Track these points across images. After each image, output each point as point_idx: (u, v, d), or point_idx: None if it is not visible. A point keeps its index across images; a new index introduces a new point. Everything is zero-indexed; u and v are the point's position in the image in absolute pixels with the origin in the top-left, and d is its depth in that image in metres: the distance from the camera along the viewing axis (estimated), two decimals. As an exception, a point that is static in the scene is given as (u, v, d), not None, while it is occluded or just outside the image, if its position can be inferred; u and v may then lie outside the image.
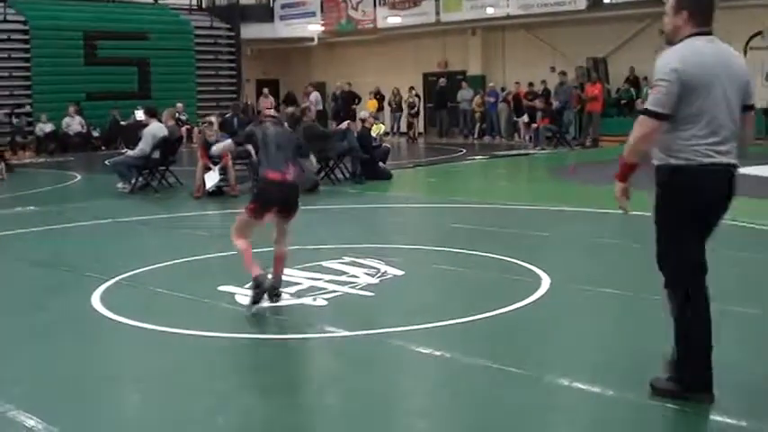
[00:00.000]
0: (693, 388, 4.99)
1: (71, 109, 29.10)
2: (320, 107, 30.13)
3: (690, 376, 5.01)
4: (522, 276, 8.53)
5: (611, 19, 28.62)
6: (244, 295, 7.88)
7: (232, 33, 34.85)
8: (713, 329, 5.04)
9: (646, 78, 27.82)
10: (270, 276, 7.58)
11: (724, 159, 4.93)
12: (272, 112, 7.13)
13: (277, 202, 7.57)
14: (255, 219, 7.59)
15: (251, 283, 7.43)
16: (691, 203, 4.98)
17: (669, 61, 4.93)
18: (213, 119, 16.72)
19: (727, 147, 4.94)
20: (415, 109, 32.23)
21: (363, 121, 19.26)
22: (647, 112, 4.95)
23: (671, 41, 5.10)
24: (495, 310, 7.27)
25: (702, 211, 5.03)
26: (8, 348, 6.81)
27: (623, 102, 28.23)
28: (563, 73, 28.09)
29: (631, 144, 5.02)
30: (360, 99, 31.64)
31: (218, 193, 15.85)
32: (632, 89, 28.19)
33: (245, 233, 7.66)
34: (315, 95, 31.59)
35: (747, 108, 5.13)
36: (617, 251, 10.07)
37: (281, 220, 7.68)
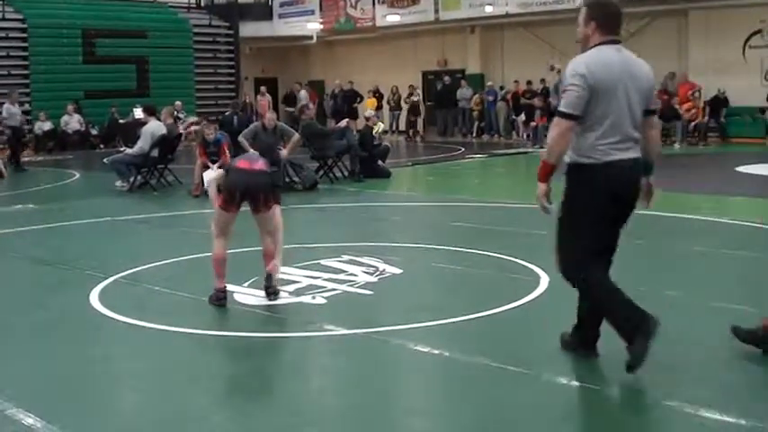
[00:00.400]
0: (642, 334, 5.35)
1: (70, 107, 29.12)
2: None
3: (633, 329, 5.39)
4: (521, 275, 8.53)
5: (609, 17, 28.58)
6: (242, 293, 7.90)
7: (231, 32, 34.85)
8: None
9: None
10: (266, 275, 7.64)
11: (625, 155, 5.42)
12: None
13: (241, 187, 7.46)
14: (226, 211, 7.57)
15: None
16: (596, 197, 5.45)
17: (577, 67, 5.43)
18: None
19: (627, 144, 5.44)
20: (418, 107, 32.13)
21: (368, 119, 19.28)
22: (560, 114, 5.39)
23: (584, 48, 5.61)
24: (494, 308, 7.27)
25: (607, 204, 5.47)
26: (7, 346, 6.81)
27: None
28: (561, 71, 28.09)
29: (550, 145, 5.48)
30: (362, 98, 31.64)
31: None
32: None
33: (222, 230, 7.67)
34: (302, 93, 31.63)
35: (649, 112, 5.62)
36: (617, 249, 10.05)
37: (257, 216, 7.63)
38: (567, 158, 5.51)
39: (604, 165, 5.39)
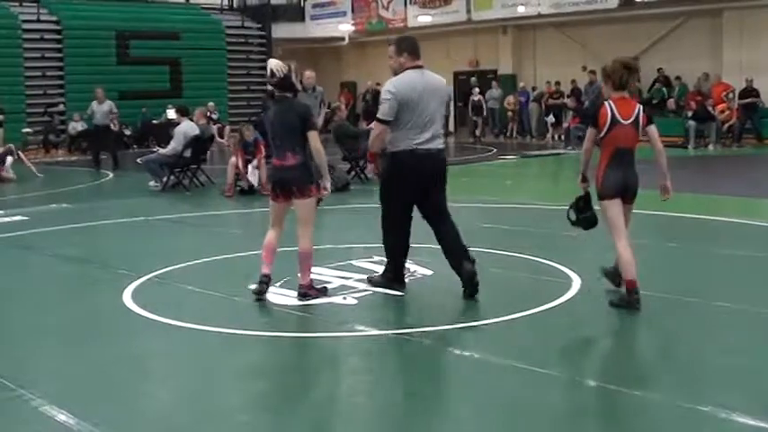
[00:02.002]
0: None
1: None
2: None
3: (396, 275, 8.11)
4: (553, 277, 8.49)
5: (642, 18, 28.42)
6: (275, 294, 7.92)
7: (263, 33, 34.98)
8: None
9: (678, 78, 27.62)
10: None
11: (425, 146, 7.62)
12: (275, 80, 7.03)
13: (276, 182, 7.84)
14: (273, 200, 7.88)
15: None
16: (405, 176, 7.69)
17: (389, 86, 7.64)
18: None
19: (427, 137, 7.63)
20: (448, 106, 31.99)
21: None
22: (378, 120, 7.68)
23: (396, 73, 7.74)
24: (525, 310, 7.24)
25: (414, 181, 7.69)
26: (41, 344, 6.87)
27: (655, 101, 27.92)
28: (592, 72, 27.84)
29: (371, 140, 7.83)
30: None
31: (249, 192, 15.92)
32: (664, 89, 27.91)
33: (273, 220, 7.90)
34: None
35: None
36: (649, 251, 9.98)
37: (295, 208, 7.81)
38: (388, 148, 7.71)
39: (409, 152, 7.58)
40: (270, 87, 7.99)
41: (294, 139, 7.69)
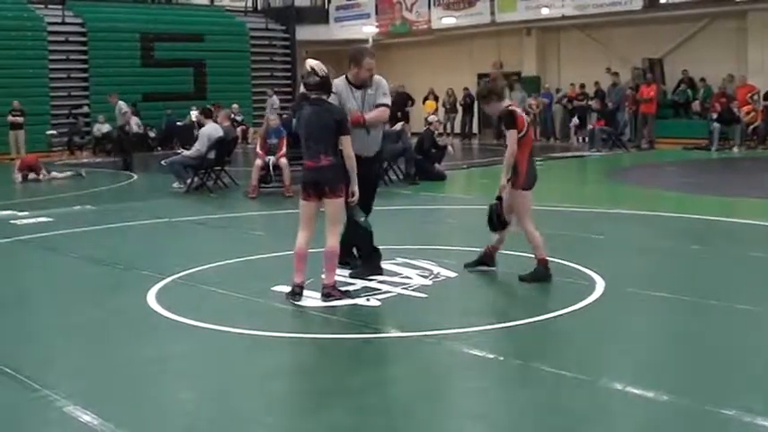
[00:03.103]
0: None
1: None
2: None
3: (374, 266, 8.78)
4: (577, 279, 8.46)
5: (667, 19, 28.29)
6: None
7: (287, 35, 35.03)
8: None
9: (703, 80, 27.47)
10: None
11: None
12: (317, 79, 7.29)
13: (309, 182, 7.78)
14: (304, 199, 7.81)
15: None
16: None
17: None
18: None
19: None
20: (472, 108, 31.91)
21: (429, 124, 19.22)
22: (388, 106, 8.73)
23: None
24: (549, 312, 7.22)
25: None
26: (66, 344, 6.91)
27: (680, 103, 27.85)
28: (615, 74, 27.88)
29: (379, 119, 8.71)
30: (413, 101, 31.59)
31: (273, 193, 15.96)
32: (689, 90, 27.78)
33: (303, 223, 7.85)
34: (273, 99, 31.55)
35: None
36: (674, 254, 9.95)
37: (325, 207, 7.80)
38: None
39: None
40: (304, 89, 8.03)
41: (328, 141, 7.72)
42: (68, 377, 6.00)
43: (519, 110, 8.41)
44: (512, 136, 8.25)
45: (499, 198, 8.54)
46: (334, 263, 7.83)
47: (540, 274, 8.32)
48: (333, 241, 7.76)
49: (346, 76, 8.77)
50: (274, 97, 31.94)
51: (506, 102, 8.55)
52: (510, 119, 8.29)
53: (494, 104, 8.47)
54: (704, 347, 6.39)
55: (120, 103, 23.12)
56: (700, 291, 7.96)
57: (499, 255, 8.86)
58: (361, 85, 8.63)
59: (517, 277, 8.36)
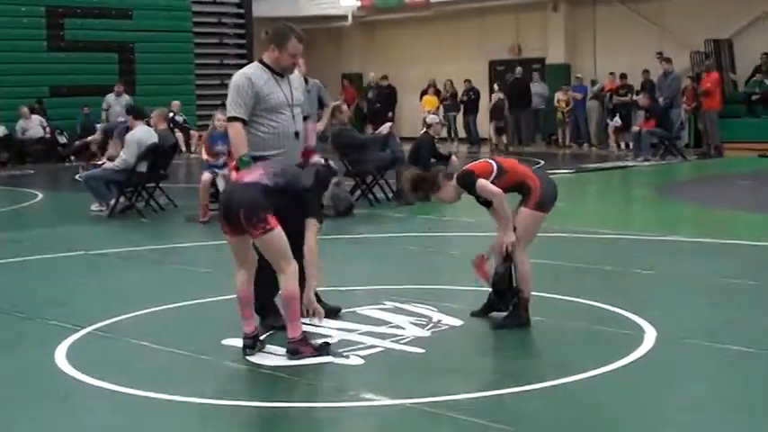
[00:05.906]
0: None
1: (24, 110, 29.16)
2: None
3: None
4: (620, 328, 8.47)
5: (738, -11, 28.48)
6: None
7: (241, 11, 35.15)
8: None
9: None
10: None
11: None
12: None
13: (222, 207, 7.85)
14: (225, 233, 7.82)
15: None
16: None
17: None
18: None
19: None
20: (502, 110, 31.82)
21: (429, 127, 18.88)
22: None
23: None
24: (581, 372, 7.21)
25: None
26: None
27: (754, 97, 27.65)
28: (668, 60, 27.50)
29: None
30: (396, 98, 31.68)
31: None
32: (766, 80, 27.74)
33: (237, 261, 7.95)
34: None
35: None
36: (748, 294, 9.96)
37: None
38: None
39: None
40: None
41: None
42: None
43: (467, 166, 8.91)
44: (484, 187, 8.54)
45: (507, 257, 8.64)
46: (296, 309, 7.80)
47: (520, 317, 8.57)
48: (286, 282, 7.75)
49: (261, 60, 8.80)
50: None
51: (447, 172, 8.99)
52: (469, 179, 8.60)
53: (443, 191, 8.78)
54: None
55: None
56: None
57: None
58: (281, 73, 8.69)
59: (519, 328, 8.44)
